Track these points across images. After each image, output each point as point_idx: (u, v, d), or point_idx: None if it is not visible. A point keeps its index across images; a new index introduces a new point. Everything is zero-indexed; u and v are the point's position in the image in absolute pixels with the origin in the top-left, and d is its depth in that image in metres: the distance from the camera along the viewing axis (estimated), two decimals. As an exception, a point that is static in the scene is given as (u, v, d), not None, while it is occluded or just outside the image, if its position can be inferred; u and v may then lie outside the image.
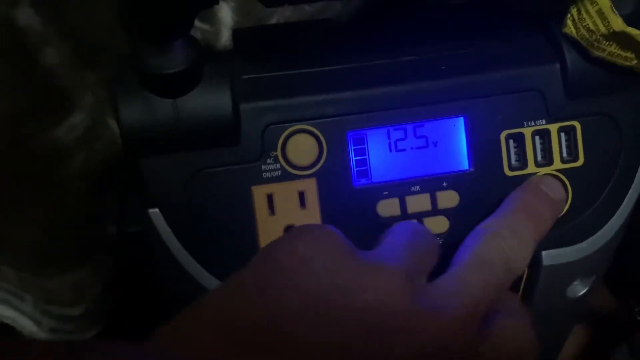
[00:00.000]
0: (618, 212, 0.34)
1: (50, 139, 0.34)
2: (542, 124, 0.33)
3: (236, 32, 0.35)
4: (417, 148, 0.32)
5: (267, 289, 0.24)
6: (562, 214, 0.33)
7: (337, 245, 0.27)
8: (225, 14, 0.38)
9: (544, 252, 0.33)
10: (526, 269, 0.34)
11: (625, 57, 0.31)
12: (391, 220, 0.32)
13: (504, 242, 0.29)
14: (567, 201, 0.33)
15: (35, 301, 0.39)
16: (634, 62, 0.31)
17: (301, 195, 0.31)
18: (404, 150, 0.32)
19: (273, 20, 0.39)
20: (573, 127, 0.33)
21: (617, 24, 0.30)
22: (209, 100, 0.30)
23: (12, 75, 0.32)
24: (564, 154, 0.33)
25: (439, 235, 0.32)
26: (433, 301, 0.26)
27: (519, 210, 0.31)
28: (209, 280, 0.31)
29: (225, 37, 0.38)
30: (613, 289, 0.48)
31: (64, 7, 0.32)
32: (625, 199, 0.34)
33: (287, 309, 0.24)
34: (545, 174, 0.33)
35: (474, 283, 0.27)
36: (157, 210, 0.30)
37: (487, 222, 0.31)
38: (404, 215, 0.32)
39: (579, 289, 0.37)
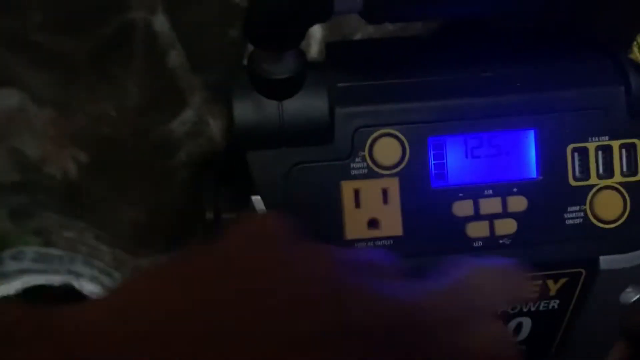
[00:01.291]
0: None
1: (166, 131, 0.38)
2: (606, 140, 0.36)
3: (330, 45, 0.39)
4: (491, 156, 0.36)
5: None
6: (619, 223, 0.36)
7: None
8: (316, 29, 0.42)
9: (601, 257, 0.36)
10: (583, 272, 0.37)
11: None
12: (465, 220, 0.35)
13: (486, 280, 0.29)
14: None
15: (123, 278, 0.43)
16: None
17: (384, 192, 0.35)
18: (478, 157, 0.36)
19: (357, 36, 0.43)
20: (634, 145, 0.36)
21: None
22: (309, 104, 0.34)
23: (145, 73, 0.37)
24: (624, 169, 0.36)
25: (507, 236, 0.36)
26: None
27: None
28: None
29: (314, 50, 0.42)
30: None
31: (186, 15, 0.36)
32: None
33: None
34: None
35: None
36: (259, 197, 0.34)
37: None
38: (477, 215, 0.35)
39: (632, 296, 0.39)
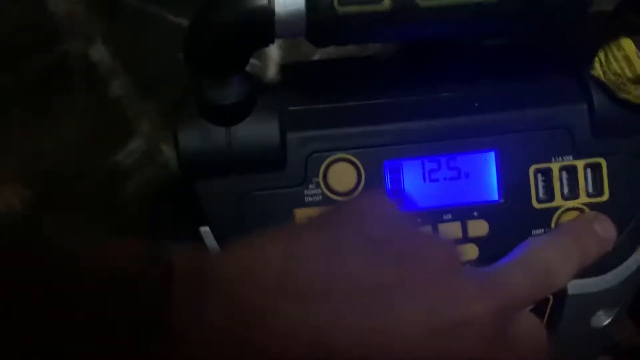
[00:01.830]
0: (641, 245, 0.36)
1: (111, 163, 0.37)
2: (570, 160, 0.35)
3: (284, 67, 0.38)
4: (450, 179, 0.34)
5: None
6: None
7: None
8: (273, 50, 0.41)
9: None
10: (551, 298, 0.36)
11: (649, 100, 0.33)
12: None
13: (550, 255, 0.31)
14: (614, 241, 0.34)
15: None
16: (658, 104, 0.33)
17: (340, 220, 0.34)
18: (437, 180, 0.34)
19: (316, 57, 0.42)
20: (599, 164, 0.35)
21: (642, 68, 0.32)
22: (259, 129, 0.33)
23: (84, 105, 0.35)
24: (590, 189, 0.35)
25: (469, 262, 0.34)
26: (479, 282, 0.28)
27: (568, 236, 0.33)
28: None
29: (272, 71, 0.41)
30: (638, 322, 0.49)
31: (129, 43, 0.35)
32: (649, 234, 0.36)
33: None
34: (599, 213, 0.34)
35: (517, 281, 0.29)
36: (207, 228, 0.33)
37: (536, 238, 0.33)
38: (436, 241, 0.34)
39: (603, 319, 0.38)
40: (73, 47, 0.34)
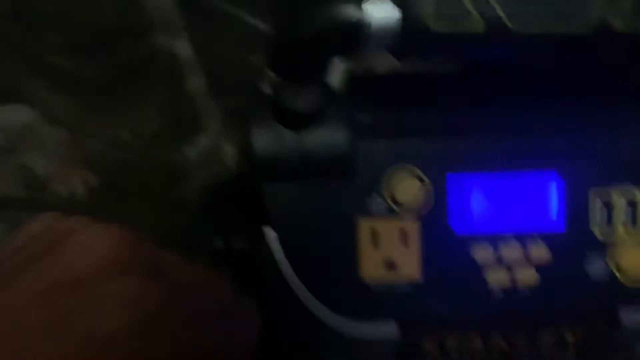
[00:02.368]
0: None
1: (180, 157, 0.37)
2: (633, 189, 0.35)
3: (352, 77, 0.38)
4: (515, 201, 0.35)
5: None
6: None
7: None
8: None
9: (623, 312, 0.35)
10: (605, 326, 0.35)
11: None
12: (485, 267, 0.34)
13: None
14: None
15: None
16: None
17: (403, 233, 0.34)
18: (502, 201, 0.34)
19: (381, 67, 0.42)
20: (663, 195, 0.35)
21: None
22: (329, 137, 0.33)
23: (164, 98, 0.36)
24: (654, 222, 0.35)
25: (527, 286, 0.34)
26: None
27: None
28: (312, 302, 0.33)
29: (335, 78, 0.41)
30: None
31: (209, 40, 0.35)
32: None
33: None
34: None
35: None
36: (270, 229, 0.33)
37: None
38: (498, 263, 0.34)
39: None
40: (160, 41, 0.34)
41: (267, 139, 0.32)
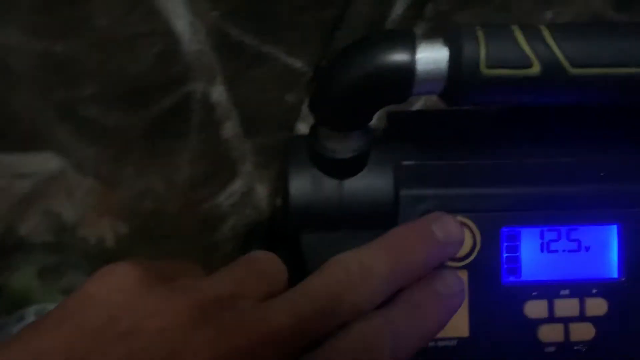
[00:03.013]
0: None
1: (213, 204, 0.35)
2: None
3: (391, 116, 0.36)
4: (569, 251, 0.32)
5: (54, 330, 0.24)
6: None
7: (130, 278, 0.25)
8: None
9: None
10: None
11: None
12: (537, 322, 0.32)
13: (344, 273, 0.27)
14: (462, 243, 0.30)
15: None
16: None
17: (451, 286, 0.32)
18: (555, 251, 0.32)
19: (419, 103, 0.40)
20: None
21: None
22: (372, 185, 0.31)
23: (199, 146, 0.34)
24: None
25: (583, 342, 0.32)
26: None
27: (385, 244, 0.28)
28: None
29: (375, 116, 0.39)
30: None
31: (245, 81, 0.34)
32: None
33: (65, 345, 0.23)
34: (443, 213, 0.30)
35: (281, 310, 0.25)
36: (310, 284, 0.31)
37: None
38: (551, 317, 0.32)
39: None
40: (197, 88, 0.33)
41: (305, 186, 0.30)
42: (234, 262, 0.27)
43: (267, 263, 0.27)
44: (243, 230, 0.37)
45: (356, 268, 0.27)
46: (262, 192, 0.36)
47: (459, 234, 0.30)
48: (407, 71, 0.26)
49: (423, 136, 0.35)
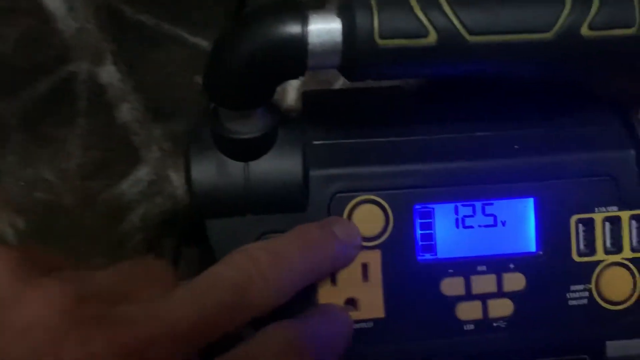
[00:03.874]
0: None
1: (116, 193, 0.34)
2: (614, 211, 0.32)
3: (306, 95, 0.35)
4: (485, 226, 0.32)
5: None
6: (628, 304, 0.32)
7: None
8: (293, 74, 0.38)
9: (608, 343, 0.32)
10: (587, 358, 0.33)
11: None
12: (455, 300, 0.31)
13: (252, 262, 0.26)
14: (360, 247, 0.30)
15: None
16: None
17: (364, 268, 0.30)
18: (471, 227, 0.32)
19: (339, 83, 0.39)
20: (645, 216, 0.32)
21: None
22: (280, 166, 0.30)
23: (90, 131, 0.32)
24: (634, 243, 0.32)
25: (502, 318, 0.31)
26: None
27: (294, 236, 0.28)
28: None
29: (291, 97, 0.38)
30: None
31: (142, 64, 0.32)
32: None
33: None
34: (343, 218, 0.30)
35: (178, 303, 0.23)
36: (219, 272, 0.30)
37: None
38: (468, 295, 0.31)
39: (642, 384, 0.35)
40: (81, 68, 0.31)
41: (207, 170, 0.29)
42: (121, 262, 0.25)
43: (157, 265, 0.26)
44: (156, 220, 0.35)
45: (264, 257, 0.26)
46: (177, 180, 0.35)
47: (358, 237, 0.30)
48: (300, 44, 0.25)
49: (336, 115, 0.34)
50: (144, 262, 0.25)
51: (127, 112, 0.33)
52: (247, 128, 0.28)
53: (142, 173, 0.34)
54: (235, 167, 0.29)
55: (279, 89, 0.28)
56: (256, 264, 0.25)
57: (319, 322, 0.27)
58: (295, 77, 0.26)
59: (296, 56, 0.25)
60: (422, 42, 0.25)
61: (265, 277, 0.25)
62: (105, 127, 0.33)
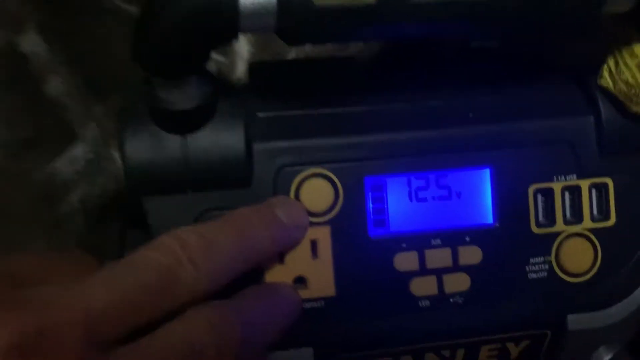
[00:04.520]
0: (650, 276, 0.32)
1: (49, 171, 0.32)
2: (573, 180, 0.31)
3: (253, 66, 0.34)
4: (439, 199, 0.30)
5: None
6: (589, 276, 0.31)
7: None
8: (242, 46, 0.36)
9: (569, 316, 0.31)
10: (549, 333, 0.32)
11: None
12: (409, 275, 0.30)
13: (180, 246, 0.24)
14: (307, 228, 0.29)
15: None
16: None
17: (313, 244, 0.29)
18: (425, 200, 0.30)
19: (291, 55, 0.37)
20: (605, 185, 0.31)
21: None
22: (221, 139, 0.28)
23: (14, 106, 0.30)
24: (595, 213, 0.31)
25: (459, 293, 0.30)
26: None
27: (229, 221, 0.27)
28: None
29: (240, 70, 0.36)
30: (634, 351, 0.46)
31: (74, 36, 0.30)
32: (659, 263, 0.33)
33: None
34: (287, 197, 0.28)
35: (98, 285, 0.22)
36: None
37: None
38: (423, 270, 0.30)
39: (604, 355, 0.34)
40: (-1, 37, 0.29)
41: (142, 145, 0.27)
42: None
43: (79, 256, 0.25)
44: (98, 202, 0.34)
45: (194, 241, 0.24)
46: (118, 159, 0.33)
47: (303, 218, 0.28)
48: (229, 4, 0.23)
49: (283, 87, 0.32)
50: (65, 253, 0.24)
51: (56, 85, 0.31)
52: (182, 98, 0.26)
53: (79, 151, 0.32)
54: (172, 141, 0.28)
55: (226, 61, 0.27)
56: (186, 248, 0.24)
57: (255, 302, 0.26)
58: (227, 40, 0.24)
59: (226, 17, 0.24)
60: (361, 1, 0.23)
61: (195, 262, 0.24)
62: (31, 101, 0.31)
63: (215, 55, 0.37)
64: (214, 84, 0.28)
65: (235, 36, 0.24)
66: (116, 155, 0.34)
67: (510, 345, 0.32)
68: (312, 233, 0.29)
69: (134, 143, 0.27)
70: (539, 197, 0.31)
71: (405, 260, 0.30)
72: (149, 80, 0.27)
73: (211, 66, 0.29)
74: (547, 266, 0.31)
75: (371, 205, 0.30)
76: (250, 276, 0.28)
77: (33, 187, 0.32)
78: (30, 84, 0.31)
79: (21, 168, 0.32)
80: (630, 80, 0.29)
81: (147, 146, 0.27)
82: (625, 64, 0.30)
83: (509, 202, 0.30)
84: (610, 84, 0.30)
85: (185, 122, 0.27)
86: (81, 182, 0.33)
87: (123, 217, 0.33)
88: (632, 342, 0.35)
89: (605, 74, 0.30)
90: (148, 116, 0.28)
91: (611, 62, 0.30)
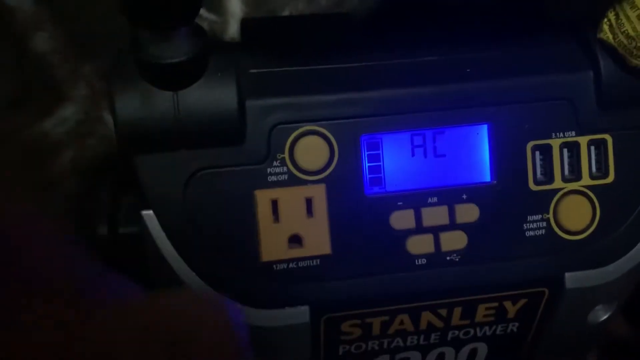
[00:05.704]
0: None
1: (37, 131, 0.31)
2: (572, 136, 0.30)
3: (245, 22, 0.33)
4: (436, 156, 0.30)
5: None
6: (587, 234, 0.31)
7: None
8: (234, 4, 0.35)
9: (567, 274, 0.31)
10: (546, 291, 0.32)
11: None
12: (405, 234, 0.29)
13: None
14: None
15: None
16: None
17: (308, 203, 0.29)
18: (421, 157, 0.30)
19: (285, 13, 0.37)
20: (604, 141, 0.31)
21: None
22: (212, 95, 0.28)
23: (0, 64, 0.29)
24: (594, 169, 0.31)
25: (456, 251, 0.30)
26: None
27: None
28: (205, 292, 0.28)
29: (233, 29, 0.35)
30: (628, 315, 0.46)
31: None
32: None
33: None
34: None
35: None
36: (151, 212, 0.28)
37: None
38: (419, 228, 0.29)
39: (601, 315, 0.34)
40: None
41: (133, 101, 0.27)
42: None
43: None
44: (88, 164, 0.33)
45: None
46: (112, 121, 0.33)
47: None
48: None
49: (277, 43, 0.32)
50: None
51: (43, 42, 0.30)
52: (171, 51, 0.26)
53: (69, 112, 0.32)
54: (163, 97, 0.27)
55: (219, 20, 0.26)
56: None
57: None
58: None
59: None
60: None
61: None
62: (19, 57, 0.30)
63: (207, 14, 0.36)
64: (204, 38, 0.27)
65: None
66: (107, 117, 0.33)
67: (507, 304, 0.32)
68: (308, 191, 0.29)
69: (123, 100, 0.27)
70: (537, 154, 0.30)
71: (401, 219, 0.29)
72: (137, 36, 0.26)
73: (204, 25, 0.28)
74: (544, 224, 0.30)
75: (367, 163, 0.29)
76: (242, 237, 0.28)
77: (22, 147, 0.31)
78: (16, 40, 0.30)
79: (6, 127, 0.31)
80: (631, 32, 0.29)
81: (138, 103, 0.27)
82: (626, 16, 0.29)
83: (507, 159, 0.30)
84: (610, 37, 0.29)
85: (175, 77, 0.27)
86: (71, 144, 0.33)
87: (114, 178, 0.33)
88: (626, 305, 0.35)
89: (605, 27, 0.30)
90: (137, 73, 0.27)
91: (611, 15, 0.29)
